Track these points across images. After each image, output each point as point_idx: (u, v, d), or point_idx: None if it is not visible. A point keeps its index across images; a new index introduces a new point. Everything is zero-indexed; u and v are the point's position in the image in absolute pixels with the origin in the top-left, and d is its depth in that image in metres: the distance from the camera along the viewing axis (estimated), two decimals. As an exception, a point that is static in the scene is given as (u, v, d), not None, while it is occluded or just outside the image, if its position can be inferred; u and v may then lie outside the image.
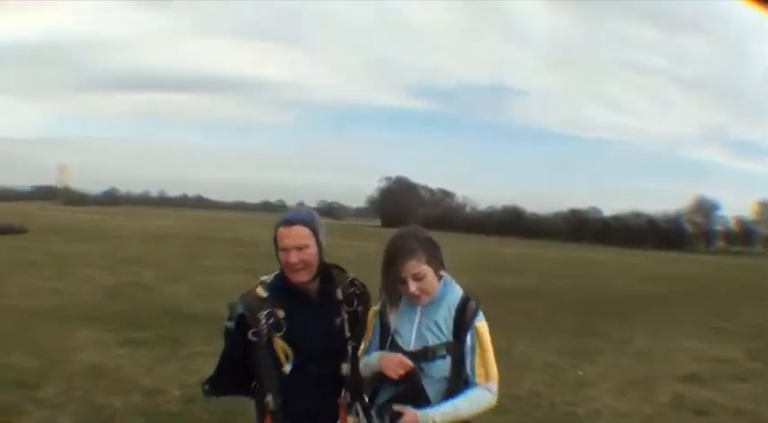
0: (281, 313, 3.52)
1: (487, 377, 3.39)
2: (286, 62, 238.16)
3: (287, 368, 3.51)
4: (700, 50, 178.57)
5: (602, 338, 14.13)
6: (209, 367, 8.48)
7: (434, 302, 3.45)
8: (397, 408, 3.29)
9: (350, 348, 3.58)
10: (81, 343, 10.22)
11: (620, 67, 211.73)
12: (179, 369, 9.03)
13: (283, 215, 3.65)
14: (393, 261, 3.41)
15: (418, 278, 3.36)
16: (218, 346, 9.03)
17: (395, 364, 3.35)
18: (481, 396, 3.38)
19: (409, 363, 3.35)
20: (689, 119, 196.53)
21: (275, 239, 3.57)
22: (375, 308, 3.62)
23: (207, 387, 3.98)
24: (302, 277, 3.55)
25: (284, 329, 3.51)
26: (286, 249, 3.50)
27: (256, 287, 3.69)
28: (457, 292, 3.51)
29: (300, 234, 3.53)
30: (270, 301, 3.57)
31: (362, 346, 3.61)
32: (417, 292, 3.38)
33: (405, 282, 3.37)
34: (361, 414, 3.44)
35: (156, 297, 15.64)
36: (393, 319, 3.51)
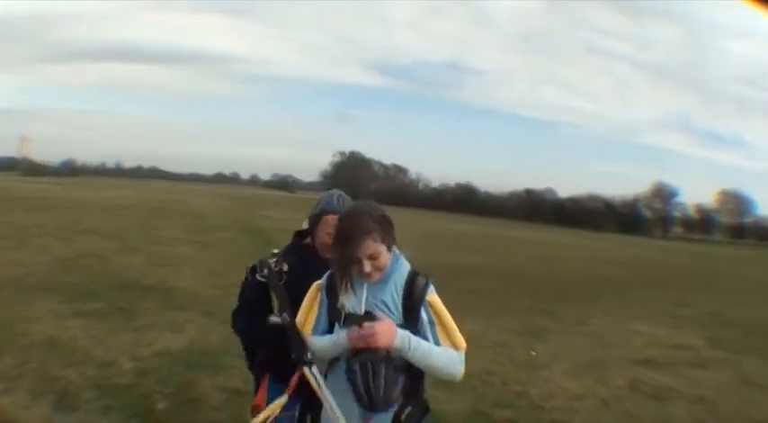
0: (284, 266, 4.04)
1: (456, 346, 3.37)
2: (243, 36, 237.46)
3: (274, 319, 3.80)
4: (665, 38, 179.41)
5: (556, 319, 14.21)
6: (161, 339, 8.52)
7: (382, 279, 3.42)
8: (377, 313, 3.31)
9: None
10: (37, 314, 10.13)
11: (582, 51, 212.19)
12: (132, 341, 8.99)
13: (335, 200, 4.21)
14: (348, 240, 3.35)
15: (374, 258, 3.33)
16: (170, 318, 9.12)
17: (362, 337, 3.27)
18: (453, 358, 3.36)
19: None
20: (651, 105, 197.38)
21: (321, 222, 4.15)
22: (318, 282, 3.60)
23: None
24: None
25: (284, 280, 3.96)
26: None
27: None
28: (404, 269, 3.48)
29: None
30: (279, 256, 4.13)
31: (300, 319, 3.62)
32: (376, 273, 3.34)
33: (359, 262, 3.33)
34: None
35: (111, 268, 15.59)
36: (341, 296, 3.45)
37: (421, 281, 3.41)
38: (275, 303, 3.91)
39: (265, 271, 4.02)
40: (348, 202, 4.15)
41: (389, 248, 3.41)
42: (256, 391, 4.16)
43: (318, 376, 3.44)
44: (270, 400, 3.87)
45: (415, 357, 3.27)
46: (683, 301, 19.48)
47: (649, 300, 18.95)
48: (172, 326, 9.94)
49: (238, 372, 7.56)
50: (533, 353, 10.77)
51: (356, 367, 3.27)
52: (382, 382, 3.26)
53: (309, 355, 3.51)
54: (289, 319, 3.68)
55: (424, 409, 3.48)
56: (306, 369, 3.48)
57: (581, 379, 9.43)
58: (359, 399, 3.29)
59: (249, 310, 4.17)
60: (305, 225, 4.36)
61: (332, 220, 3.89)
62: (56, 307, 10.70)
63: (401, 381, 3.32)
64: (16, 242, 18.64)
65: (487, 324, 12.42)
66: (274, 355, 3.90)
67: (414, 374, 3.39)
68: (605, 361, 10.70)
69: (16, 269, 14.07)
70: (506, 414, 7.57)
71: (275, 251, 4.20)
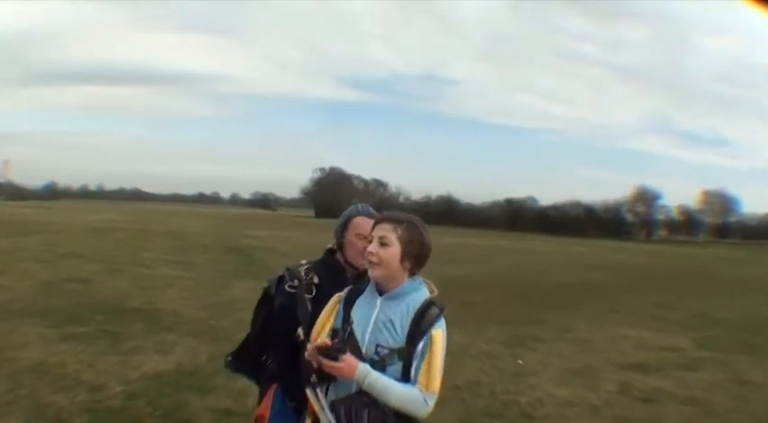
0: (315, 278, 4.00)
1: (427, 387, 3.26)
2: (220, 54, 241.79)
3: (300, 332, 3.82)
4: (637, 39, 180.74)
5: (542, 327, 14.25)
6: (149, 361, 8.50)
7: (395, 298, 3.38)
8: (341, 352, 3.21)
9: None
10: (24, 339, 10.09)
11: (556, 57, 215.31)
12: (120, 364, 8.96)
13: (359, 206, 4.26)
14: (376, 222, 3.47)
15: (382, 243, 3.35)
16: (157, 340, 9.11)
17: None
18: (415, 399, 3.25)
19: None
20: (628, 108, 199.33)
21: (349, 226, 4.08)
22: (339, 294, 3.59)
23: (230, 359, 4.38)
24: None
25: (314, 293, 3.93)
26: (366, 237, 3.69)
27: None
28: (422, 294, 3.43)
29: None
30: (310, 267, 4.08)
31: (316, 329, 3.58)
32: (374, 258, 3.34)
33: (371, 241, 3.39)
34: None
35: (96, 291, 15.56)
36: (354, 308, 3.46)
37: (434, 311, 3.37)
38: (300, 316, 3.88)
39: (295, 282, 3.97)
40: (371, 208, 4.20)
41: (404, 258, 3.37)
42: (260, 399, 4.10)
43: (322, 398, 3.38)
44: (273, 410, 3.92)
45: (370, 391, 3.22)
46: (669, 303, 19.65)
47: (635, 304, 19.12)
48: (159, 348, 9.94)
49: (227, 392, 7.64)
50: (520, 362, 10.79)
51: (341, 410, 3.23)
52: None
53: (314, 377, 3.44)
54: (302, 337, 3.72)
55: None
56: (308, 390, 3.43)
57: (570, 386, 9.47)
58: None
59: (283, 317, 3.99)
60: (331, 244, 4.26)
61: (359, 220, 4.01)
62: (43, 332, 10.64)
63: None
64: (0, 267, 18.54)
65: (474, 335, 12.45)
66: (285, 366, 3.88)
67: None
68: (594, 367, 10.76)
69: (1, 294, 14.04)
70: (497, 424, 7.59)
71: (303, 262, 4.14)
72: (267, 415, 3.95)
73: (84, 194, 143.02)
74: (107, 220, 49.98)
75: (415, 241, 3.40)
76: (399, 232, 3.36)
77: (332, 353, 3.20)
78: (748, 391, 9.64)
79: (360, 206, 4.22)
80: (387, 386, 3.22)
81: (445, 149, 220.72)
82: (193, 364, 9.16)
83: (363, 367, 3.22)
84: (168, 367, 8.92)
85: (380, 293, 3.42)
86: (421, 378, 3.26)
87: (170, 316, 12.84)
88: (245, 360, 4.30)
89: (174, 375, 8.59)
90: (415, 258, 3.41)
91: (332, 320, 3.55)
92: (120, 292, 15.55)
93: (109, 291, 15.72)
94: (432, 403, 3.29)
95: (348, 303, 3.51)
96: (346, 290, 3.58)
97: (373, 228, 3.43)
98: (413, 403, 3.25)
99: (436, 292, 3.49)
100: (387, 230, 3.36)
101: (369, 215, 4.04)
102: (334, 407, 3.26)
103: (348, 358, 3.23)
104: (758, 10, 2.50)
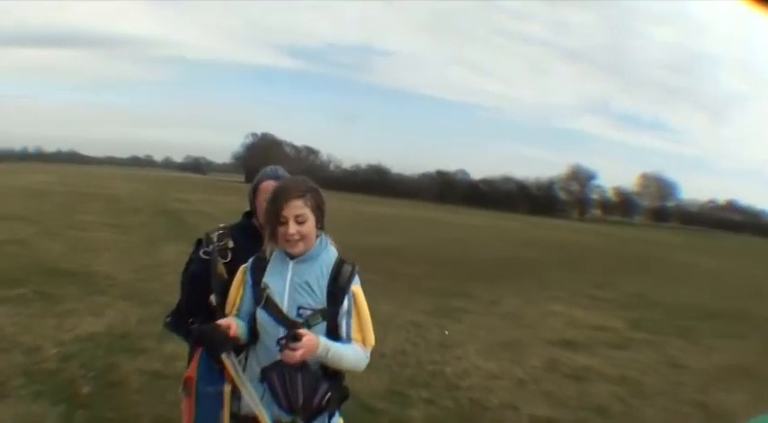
0: (230, 243, 3.98)
1: (364, 342, 3.37)
2: (157, 19, 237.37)
3: (212, 298, 3.80)
4: (582, 22, 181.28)
5: (469, 300, 14.39)
6: (83, 324, 8.56)
7: (307, 260, 3.41)
8: (301, 331, 3.14)
9: None
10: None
11: (495, 34, 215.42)
12: (55, 326, 8.96)
13: (268, 169, 4.20)
14: (278, 199, 3.37)
15: (299, 221, 3.34)
16: (90, 302, 9.15)
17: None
18: (361, 356, 3.36)
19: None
20: (568, 89, 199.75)
21: (259, 190, 4.04)
22: (245, 265, 3.57)
23: (168, 320, 4.34)
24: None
25: (229, 258, 3.91)
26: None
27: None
28: (332, 254, 3.48)
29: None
30: (226, 231, 4.06)
31: (229, 301, 3.60)
32: (297, 236, 3.33)
33: (286, 222, 3.34)
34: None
35: (33, 254, 15.49)
36: (265, 275, 3.44)
37: (347, 268, 3.42)
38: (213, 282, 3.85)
39: (210, 247, 3.96)
40: (284, 172, 4.17)
41: (318, 223, 3.42)
42: (189, 362, 3.95)
43: (236, 364, 3.41)
44: (200, 373, 3.80)
45: (327, 362, 3.26)
46: (603, 282, 19.87)
47: (567, 281, 19.36)
48: (92, 310, 9.95)
49: (157, 355, 7.74)
50: (446, 333, 10.91)
51: (273, 377, 3.29)
52: (300, 389, 3.27)
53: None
54: (215, 303, 3.72)
55: (344, 395, 3.51)
56: (223, 355, 3.41)
57: (496, 359, 9.60)
58: (278, 402, 3.29)
59: (192, 284, 4.07)
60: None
61: (268, 185, 3.91)
62: (-19, 294, 10.59)
63: (323, 388, 3.32)
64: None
65: (401, 305, 12.60)
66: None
67: None
68: (521, 341, 10.88)
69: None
70: (423, 393, 7.73)
71: (221, 225, 4.14)
72: (195, 377, 3.84)
73: (24, 157, 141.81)
74: (44, 183, 49.06)
75: (321, 204, 3.47)
76: (309, 203, 3.39)
77: (295, 339, 3.11)
78: (680, 374, 9.81)
79: (269, 169, 4.21)
80: (340, 351, 3.27)
81: (378, 120, 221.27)
82: (124, 327, 9.25)
83: (324, 341, 3.22)
84: (100, 329, 8.97)
85: (291, 257, 3.43)
86: (356, 334, 3.36)
87: (103, 279, 12.85)
88: (181, 322, 4.25)
89: (107, 338, 8.65)
90: (323, 219, 3.49)
91: (241, 292, 3.56)
92: (56, 255, 15.57)
93: (45, 253, 15.71)
94: (368, 358, 3.42)
95: (257, 271, 3.51)
96: (251, 259, 3.57)
97: (282, 207, 3.35)
98: (359, 362, 3.37)
99: (335, 246, 3.56)
100: (299, 207, 3.35)
101: (277, 179, 3.96)
102: (265, 374, 3.30)
103: (311, 337, 3.18)
104: (758, 10, 2.61)
